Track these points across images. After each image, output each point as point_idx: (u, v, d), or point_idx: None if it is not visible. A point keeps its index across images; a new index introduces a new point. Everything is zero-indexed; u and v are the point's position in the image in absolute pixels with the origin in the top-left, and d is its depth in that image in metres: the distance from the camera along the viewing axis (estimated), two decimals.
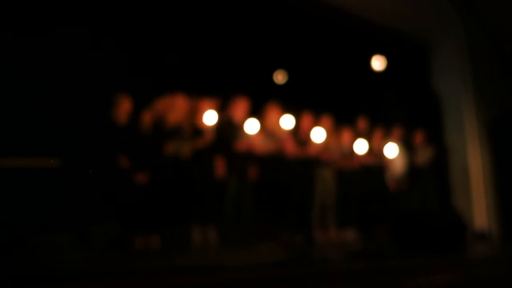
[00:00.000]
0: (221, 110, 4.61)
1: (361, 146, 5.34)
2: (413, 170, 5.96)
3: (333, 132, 5.32)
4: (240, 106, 4.78)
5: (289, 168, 4.89)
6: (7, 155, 3.76)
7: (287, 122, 4.89)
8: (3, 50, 3.82)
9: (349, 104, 6.01)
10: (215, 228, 4.38)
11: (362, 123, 5.75)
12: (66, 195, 3.86)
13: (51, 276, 2.22)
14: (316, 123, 5.16)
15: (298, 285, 2.33)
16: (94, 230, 3.91)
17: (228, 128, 4.63)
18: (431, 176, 6.08)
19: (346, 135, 5.46)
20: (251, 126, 4.59)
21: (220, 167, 4.48)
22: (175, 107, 4.42)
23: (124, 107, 4.18)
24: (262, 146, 4.78)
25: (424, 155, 6.05)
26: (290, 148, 4.96)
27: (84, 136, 4.01)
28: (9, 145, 3.76)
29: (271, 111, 4.97)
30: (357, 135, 5.50)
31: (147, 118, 4.26)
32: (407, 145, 6.01)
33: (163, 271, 2.58)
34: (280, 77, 6.23)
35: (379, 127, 5.83)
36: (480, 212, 6.27)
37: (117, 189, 3.96)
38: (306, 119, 5.16)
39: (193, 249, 4.12)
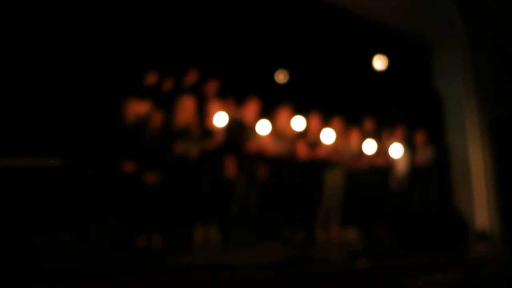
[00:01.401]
0: (232, 111, 4.63)
1: (369, 147, 5.34)
2: (414, 169, 5.96)
3: (342, 133, 5.32)
4: (251, 107, 4.79)
5: (298, 169, 4.91)
6: (11, 154, 3.77)
7: (297, 123, 4.90)
8: (8, 49, 3.82)
9: (354, 104, 6.01)
10: (217, 227, 4.38)
11: (368, 124, 5.75)
12: (68, 195, 3.87)
13: (52, 275, 2.22)
14: (325, 124, 5.17)
15: (300, 284, 2.34)
16: (96, 229, 3.91)
17: (239, 129, 4.64)
18: (433, 175, 6.07)
19: (354, 136, 5.46)
20: (262, 127, 4.60)
21: (230, 167, 4.49)
22: (183, 108, 4.42)
23: (133, 108, 4.17)
24: (273, 147, 4.79)
25: (425, 155, 6.05)
26: (302, 150, 4.96)
27: (88, 135, 4.01)
28: (15, 144, 3.76)
29: (282, 113, 4.98)
30: (365, 136, 5.51)
31: (157, 118, 4.26)
32: (408, 145, 6.01)
33: (164, 270, 2.58)
34: (281, 77, 6.23)
35: (383, 127, 5.83)
36: (481, 211, 6.27)
37: (120, 188, 3.96)
38: (315, 120, 5.17)
39: (195, 248, 4.13)
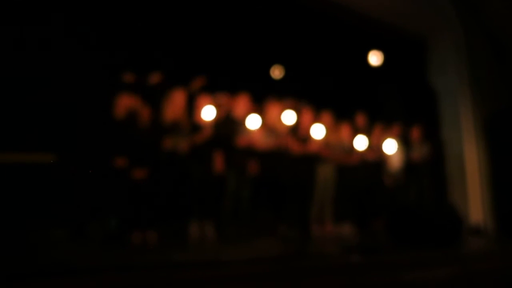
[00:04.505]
0: (221, 106, 4.62)
1: (361, 142, 5.35)
2: (409, 165, 5.98)
3: (332, 128, 5.33)
4: (241, 102, 4.79)
5: (289, 164, 4.91)
6: (3, 150, 3.75)
7: (288, 118, 4.90)
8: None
9: (347, 99, 6.01)
10: (213, 223, 4.39)
11: (360, 119, 5.76)
12: (63, 191, 3.86)
13: (48, 271, 2.22)
14: (316, 119, 5.17)
15: (295, 279, 2.35)
16: (92, 225, 3.91)
17: (228, 124, 4.64)
18: (428, 171, 6.11)
19: (345, 131, 5.47)
20: (253, 122, 4.60)
21: (219, 162, 4.49)
22: (173, 102, 4.41)
23: (123, 103, 4.17)
24: (263, 142, 4.79)
25: (420, 151, 6.08)
26: (293, 144, 4.97)
27: (81, 131, 4.00)
28: (5, 140, 3.75)
29: (272, 107, 4.98)
30: (356, 131, 5.52)
31: (145, 113, 4.25)
32: (404, 141, 6.03)
33: (160, 266, 2.59)
34: (276, 72, 6.22)
35: (377, 122, 5.84)
36: (475, 207, 6.31)
37: (114, 185, 3.96)
38: (306, 115, 5.17)
39: (190, 244, 4.13)
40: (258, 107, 4.87)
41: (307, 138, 5.03)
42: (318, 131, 4.96)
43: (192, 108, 4.49)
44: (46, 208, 3.77)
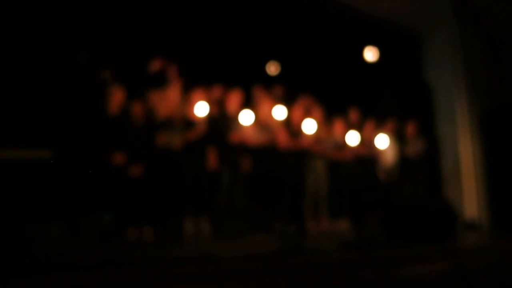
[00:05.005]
0: (214, 102, 4.61)
1: (353, 138, 5.36)
2: (404, 161, 6.00)
3: (325, 124, 5.33)
4: (233, 98, 4.78)
5: (281, 159, 4.91)
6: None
7: (280, 113, 4.89)
8: None
9: (341, 95, 6.01)
10: (208, 219, 4.39)
11: (353, 114, 5.77)
12: (58, 187, 3.85)
13: (43, 267, 2.21)
14: (308, 114, 5.17)
15: (290, 275, 2.35)
16: (87, 221, 3.90)
17: (221, 120, 4.63)
18: (423, 166, 6.12)
19: (338, 126, 5.47)
20: (245, 118, 4.59)
21: (212, 158, 4.48)
22: (166, 99, 4.40)
23: (116, 98, 4.15)
24: (255, 138, 4.79)
25: (415, 146, 6.09)
26: (283, 139, 4.96)
27: (76, 127, 3.98)
28: (1, 136, 3.73)
29: (264, 103, 4.97)
30: (349, 127, 5.52)
31: (138, 109, 4.23)
32: (398, 136, 6.05)
33: (156, 262, 2.59)
34: (272, 69, 6.21)
35: (370, 118, 5.85)
36: (470, 202, 6.34)
37: (109, 181, 3.95)
38: (298, 110, 5.16)
39: (186, 240, 4.13)
40: (250, 103, 4.87)
41: (298, 133, 5.03)
42: (309, 126, 4.96)
43: (185, 104, 4.48)
44: (42, 204, 3.76)
